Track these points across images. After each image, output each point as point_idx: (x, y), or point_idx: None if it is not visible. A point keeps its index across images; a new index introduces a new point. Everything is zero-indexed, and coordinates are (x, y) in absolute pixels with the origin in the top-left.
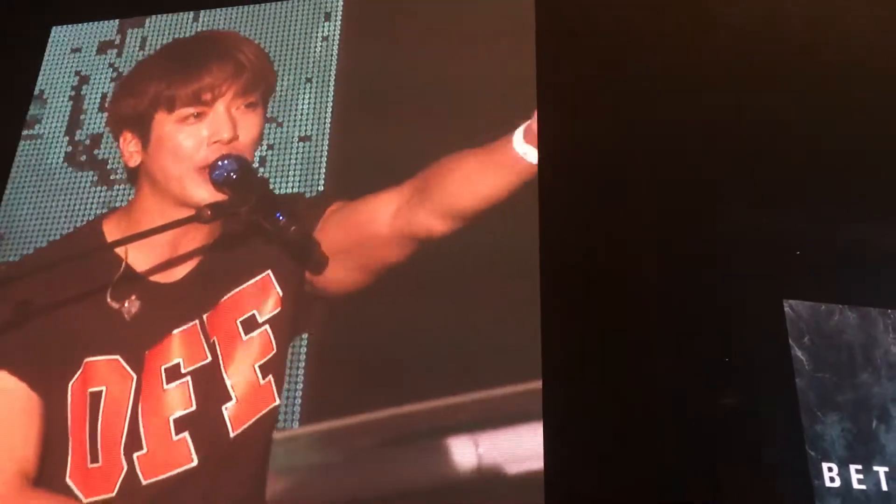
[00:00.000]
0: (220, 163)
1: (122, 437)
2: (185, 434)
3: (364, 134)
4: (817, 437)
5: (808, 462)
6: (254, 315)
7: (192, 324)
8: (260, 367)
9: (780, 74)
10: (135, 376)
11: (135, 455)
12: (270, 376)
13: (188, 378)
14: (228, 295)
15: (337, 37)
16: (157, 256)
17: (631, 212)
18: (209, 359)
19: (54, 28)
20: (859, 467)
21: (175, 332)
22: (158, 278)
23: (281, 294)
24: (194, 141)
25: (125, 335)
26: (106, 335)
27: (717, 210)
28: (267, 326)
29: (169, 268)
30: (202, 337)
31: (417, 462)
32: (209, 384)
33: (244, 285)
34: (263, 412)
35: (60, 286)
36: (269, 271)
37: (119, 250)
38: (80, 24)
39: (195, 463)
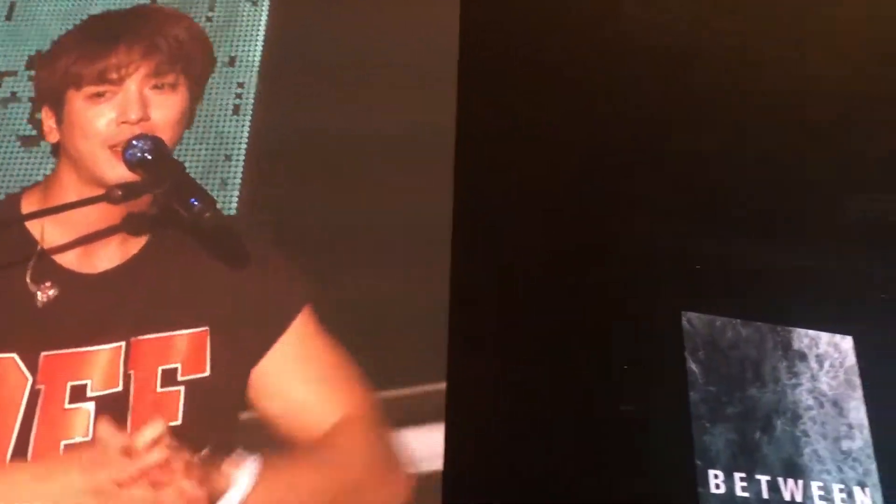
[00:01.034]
0: (133, 142)
1: (8, 447)
2: None
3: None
4: (705, 447)
5: (695, 470)
6: (176, 370)
7: (117, 345)
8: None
9: (690, 93)
10: (30, 378)
11: None
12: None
13: (93, 404)
14: (162, 334)
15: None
16: (75, 242)
17: (537, 223)
18: (120, 389)
19: None
20: (743, 475)
21: (96, 347)
22: (76, 267)
23: (209, 363)
24: (103, 120)
25: (28, 329)
26: (6, 326)
27: (624, 223)
28: (183, 388)
29: (87, 256)
30: (122, 362)
31: None
32: (112, 419)
33: (179, 332)
34: None
35: None
36: (208, 328)
37: (34, 230)
38: None
39: None
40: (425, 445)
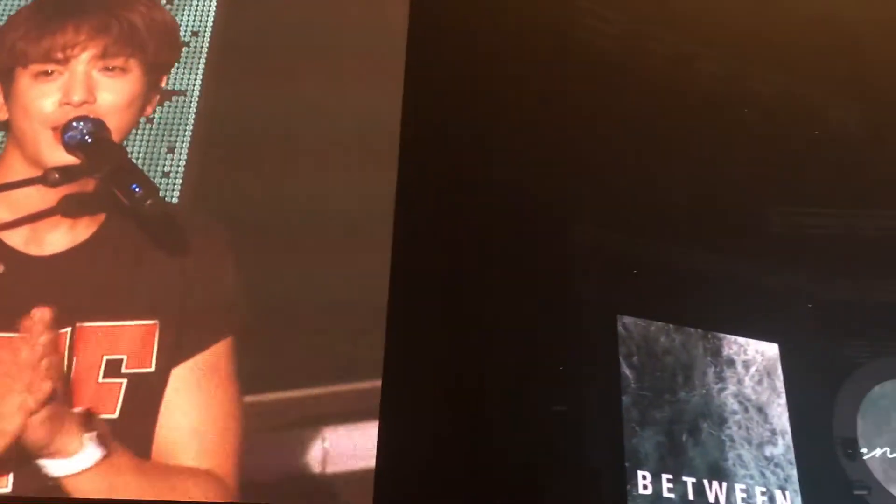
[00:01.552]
0: (73, 124)
1: None
2: None
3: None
4: (634, 449)
5: (624, 471)
6: (121, 361)
7: (63, 330)
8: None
9: (631, 97)
10: None
11: None
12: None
13: None
14: (110, 323)
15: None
16: (19, 221)
17: (476, 223)
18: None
19: None
20: (670, 476)
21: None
22: (23, 248)
23: (155, 359)
24: (47, 100)
25: None
26: None
27: (563, 226)
28: (125, 381)
29: (35, 238)
30: (66, 349)
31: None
32: None
33: (127, 322)
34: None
35: None
36: (158, 322)
37: None
38: None
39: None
40: (358, 443)
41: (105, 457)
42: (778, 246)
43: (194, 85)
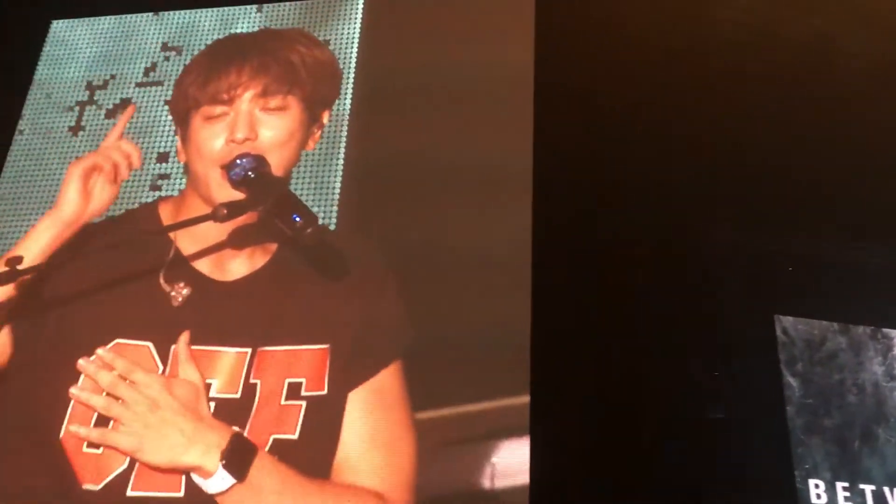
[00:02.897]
0: (237, 161)
1: None
2: None
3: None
4: (801, 458)
5: (794, 481)
6: (301, 384)
7: (244, 350)
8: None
9: (783, 89)
10: (160, 368)
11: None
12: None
13: (212, 404)
14: (289, 347)
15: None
16: (206, 250)
17: (620, 229)
18: (239, 396)
19: (54, 22)
20: (846, 485)
21: (223, 348)
22: (209, 273)
23: (327, 383)
24: (215, 140)
25: (164, 323)
26: (144, 319)
27: (709, 226)
28: (304, 403)
29: (219, 264)
30: (245, 370)
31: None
32: (229, 422)
33: (303, 346)
34: None
35: (112, 263)
36: (329, 347)
37: (171, 236)
38: (79, 19)
39: (181, 494)
40: (511, 459)
41: (238, 484)
42: None
43: (344, 114)
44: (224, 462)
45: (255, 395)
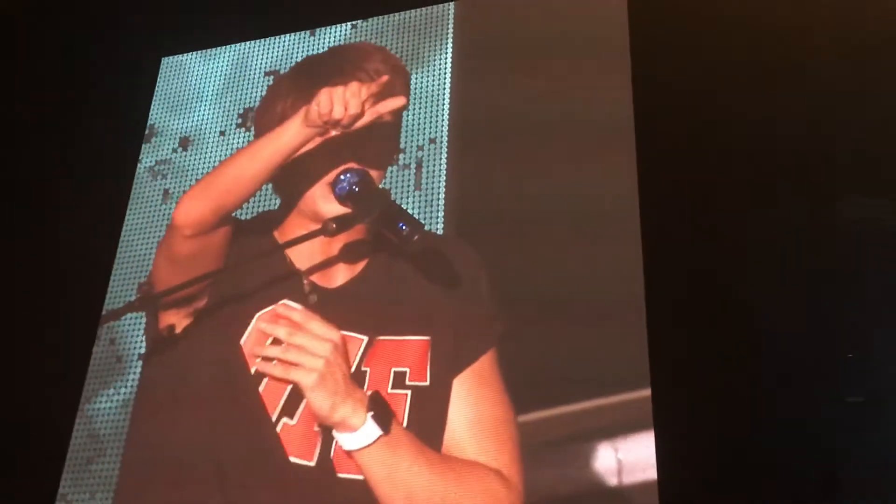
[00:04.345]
0: (341, 177)
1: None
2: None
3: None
4: None
5: None
6: (405, 373)
7: (360, 336)
8: None
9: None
10: None
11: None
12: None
13: None
14: (398, 337)
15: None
16: (321, 265)
17: (736, 209)
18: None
19: (164, 59)
20: None
21: (346, 332)
22: (319, 281)
23: (429, 373)
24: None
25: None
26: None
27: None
28: (409, 392)
29: (325, 274)
30: (359, 355)
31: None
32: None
33: (407, 337)
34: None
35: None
36: (430, 338)
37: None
38: (190, 54)
39: (313, 463)
40: (637, 454)
41: (384, 436)
42: None
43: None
44: (372, 413)
45: (363, 383)
